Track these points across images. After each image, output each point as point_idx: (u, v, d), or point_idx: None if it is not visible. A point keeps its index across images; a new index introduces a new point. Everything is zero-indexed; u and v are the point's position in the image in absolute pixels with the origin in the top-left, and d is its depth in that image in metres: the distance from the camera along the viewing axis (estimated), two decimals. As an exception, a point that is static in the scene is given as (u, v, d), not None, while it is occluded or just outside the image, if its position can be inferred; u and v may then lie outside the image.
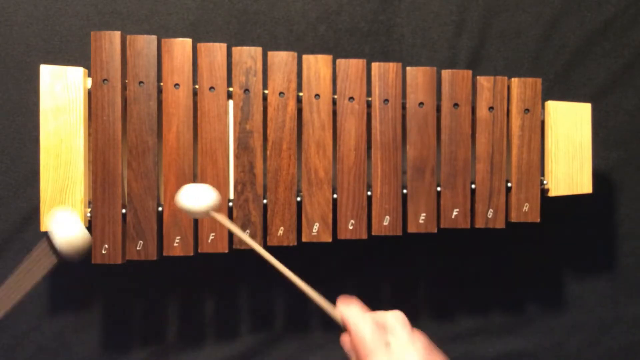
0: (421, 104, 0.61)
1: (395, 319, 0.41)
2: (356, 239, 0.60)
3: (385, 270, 0.72)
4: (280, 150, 0.59)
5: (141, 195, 0.58)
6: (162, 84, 0.59)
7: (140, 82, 0.58)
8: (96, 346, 0.69)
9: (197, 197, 0.45)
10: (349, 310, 0.42)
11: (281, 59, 0.59)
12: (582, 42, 0.72)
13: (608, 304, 0.74)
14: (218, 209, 0.46)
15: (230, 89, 0.59)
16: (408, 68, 0.61)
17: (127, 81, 0.58)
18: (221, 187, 0.59)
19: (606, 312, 0.74)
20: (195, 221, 0.59)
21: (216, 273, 0.70)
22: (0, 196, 0.67)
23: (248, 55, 0.59)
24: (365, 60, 0.60)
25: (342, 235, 0.60)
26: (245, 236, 0.45)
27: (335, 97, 0.60)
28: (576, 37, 0.72)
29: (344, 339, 0.42)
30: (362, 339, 0.40)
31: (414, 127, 0.61)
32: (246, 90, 0.59)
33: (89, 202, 0.59)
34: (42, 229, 0.57)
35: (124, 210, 0.58)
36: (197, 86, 0.59)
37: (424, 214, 0.61)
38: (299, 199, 0.60)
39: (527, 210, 0.62)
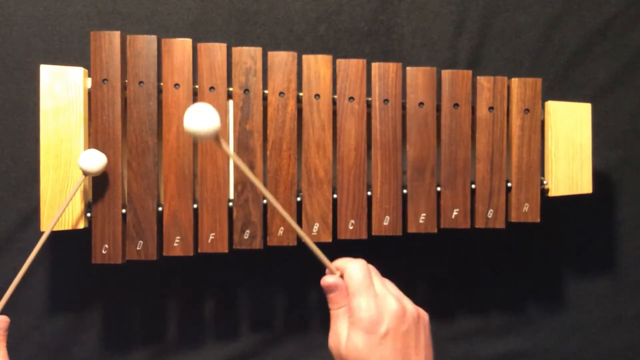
0: (421, 104, 0.61)
1: (371, 267, 0.49)
2: (356, 239, 0.60)
3: (385, 270, 0.72)
4: (280, 150, 0.59)
5: (141, 195, 0.58)
6: (162, 84, 0.59)
7: (140, 82, 0.58)
8: (96, 346, 0.69)
9: (204, 118, 0.42)
10: (345, 259, 0.48)
11: (281, 59, 0.59)
12: (582, 42, 0.72)
13: (608, 304, 0.74)
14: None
15: (230, 89, 0.59)
16: (408, 68, 0.61)
17: (127, 81, 0.58)
18: (221, 187, 0.59)
19: (606, 312, 0.74)
20: (195, 221, 0.59)
21: (216, 273, 0.70)
22: (0, 196, 0.67)
23: (248, 55, 0.59)
24: (365, 60, 0.60)
25: (342, 235, 0.60)
26: (244, 167, 0.46)
27: (335, 97, 0.60)
28: (576, 37, 0.72)
29: (327, 279, 0.47)
30: (354, 278, 0.45)
31: (414, 127, 0.61)
32: (246, 90, 0.59)
33: (89, 202, 0.59)
34: (42, 228, 0.57)
35: (124, 210, 0.58)
36: (197, 86, 0.59)
37: (424, 214, 0.61)
38: (299, 199, 0.60)
39: (527, 210, 0.62)
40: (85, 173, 0.55)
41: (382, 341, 0.43)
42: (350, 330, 0.44)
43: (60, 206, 0.55)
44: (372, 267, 0.48)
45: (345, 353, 0.44)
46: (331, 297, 0.46)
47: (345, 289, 0.46)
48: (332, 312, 0.46)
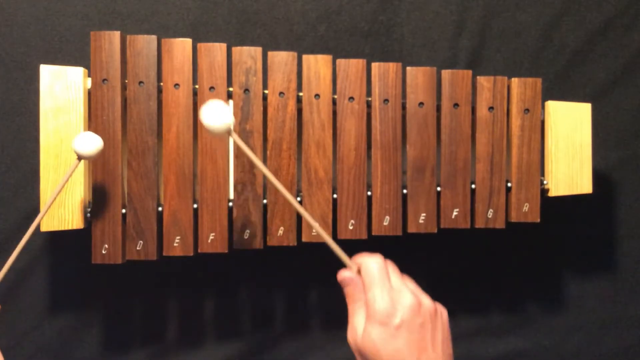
0: (421, 104, 0.61)
1: (389, 263, 0.48)
2: (356, 239, 0.60)
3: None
4: (280, 150, 0.59)
5: (141, 195, 0.58)
6: (162, 84, 0.59)
7: (140, 82, 0.58)
8: (96, 346, 0.69)
9: (218, 115, 0.48)
10: (364, 255, 0.48)
11: (281, 59, 0.59)
12: (582, 42, 0.72)
13: (608, 304, 0.74)
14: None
15: (230, 89, 0.59)
16: (408, 68, 0.61)
17: (127, 81, 0.58)
18: (221, 187, 0.59)
19: (606, 312, 0.74)
20: (195, 221, 0.59)
21: (216, 273, 0.70)
22: (0, 196, 0.67)
23: (248, 55, 0.59)
24: (365, 60, 0.60)
25: (342, 235, 0.60)
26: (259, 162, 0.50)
27: (335, 97, 0.60)
28: (576, 37, 0.72)
29: (342, 273, 0.47)
30: (369, 272, 0.45)
31: (414, 127, 0.61)
32: (246, 90, 0.59)
33: (89, 202, 0.59)
34: (42, 229, 0.57)
35: (124, 210, 0.58)
36: (197, 86, 0.59)
37: (424, 214, 0.61)
38: (299, 199, 0.60)
39: (527, 210, 0.62)
40: (79, 157, 0.52)
41: (396, 333, 0.43)
42: (367, 323, 0.44)
43: (57, 187, 0.53)
44: (390, 263, 0.48)
45: (361, 345, 0.44)
46: (347, 291, 0.47)
47: (362, 284, 0.46)
48: (350, 307, 0.47)
